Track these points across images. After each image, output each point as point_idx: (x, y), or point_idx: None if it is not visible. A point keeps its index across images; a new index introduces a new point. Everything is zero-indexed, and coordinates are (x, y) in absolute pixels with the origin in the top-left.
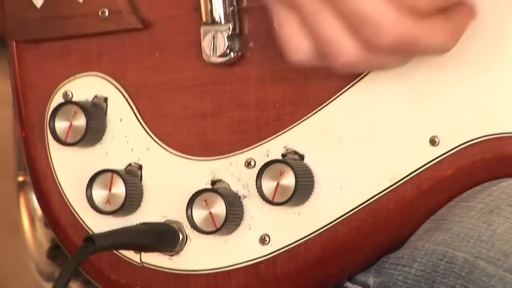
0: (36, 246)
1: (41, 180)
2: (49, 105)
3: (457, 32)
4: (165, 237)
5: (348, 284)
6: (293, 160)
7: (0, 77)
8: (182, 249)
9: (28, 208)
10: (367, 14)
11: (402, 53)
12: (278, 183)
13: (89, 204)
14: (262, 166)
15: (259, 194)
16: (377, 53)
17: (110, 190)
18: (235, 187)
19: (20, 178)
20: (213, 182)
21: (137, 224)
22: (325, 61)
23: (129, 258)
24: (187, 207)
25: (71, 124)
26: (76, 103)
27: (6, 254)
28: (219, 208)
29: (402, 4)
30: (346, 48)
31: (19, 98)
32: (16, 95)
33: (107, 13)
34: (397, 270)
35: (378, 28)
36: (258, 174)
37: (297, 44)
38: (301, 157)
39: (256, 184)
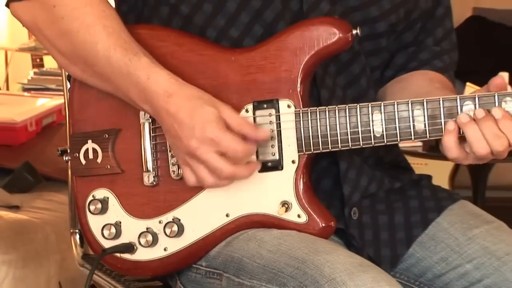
0: (77, 255)
1: (84, 227)
2: (87, 200)
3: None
4: (129, 248)
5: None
6: (172, 221)
7: None
8: (135, 252)
9: (75, 242)
10: (233, 149)
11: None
12: (171, 229)
13: (102, 236)
14: (164, 224)
15: (165, 234)
16: (240, 166)
17: (110, 230)
18: (155, 230)
19: (71, 230)
20: (147, 228)
21: (119, 244)
22: (219, 181)
23: (117, 255)
24: (137, 238)
25: (95, 207)
26: (98, 199)
27: (69, 259)
28: (149, 238)
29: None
30: (225, 167)
31: (76, 195)
32: (75, 194)
33: (108, 167)
34: (214, 261)
35: (243, 151)
36: (164, 227)
37: (190, 179)
38: (178, 219)
39: (163, 230)
